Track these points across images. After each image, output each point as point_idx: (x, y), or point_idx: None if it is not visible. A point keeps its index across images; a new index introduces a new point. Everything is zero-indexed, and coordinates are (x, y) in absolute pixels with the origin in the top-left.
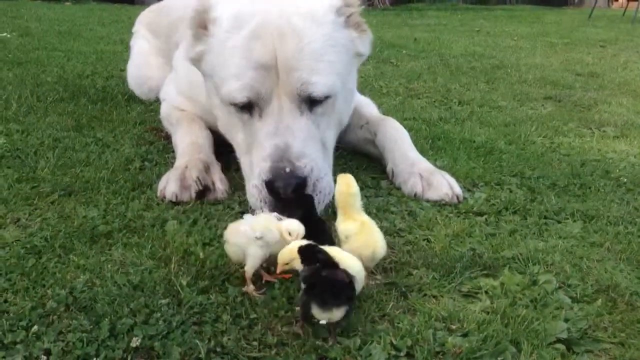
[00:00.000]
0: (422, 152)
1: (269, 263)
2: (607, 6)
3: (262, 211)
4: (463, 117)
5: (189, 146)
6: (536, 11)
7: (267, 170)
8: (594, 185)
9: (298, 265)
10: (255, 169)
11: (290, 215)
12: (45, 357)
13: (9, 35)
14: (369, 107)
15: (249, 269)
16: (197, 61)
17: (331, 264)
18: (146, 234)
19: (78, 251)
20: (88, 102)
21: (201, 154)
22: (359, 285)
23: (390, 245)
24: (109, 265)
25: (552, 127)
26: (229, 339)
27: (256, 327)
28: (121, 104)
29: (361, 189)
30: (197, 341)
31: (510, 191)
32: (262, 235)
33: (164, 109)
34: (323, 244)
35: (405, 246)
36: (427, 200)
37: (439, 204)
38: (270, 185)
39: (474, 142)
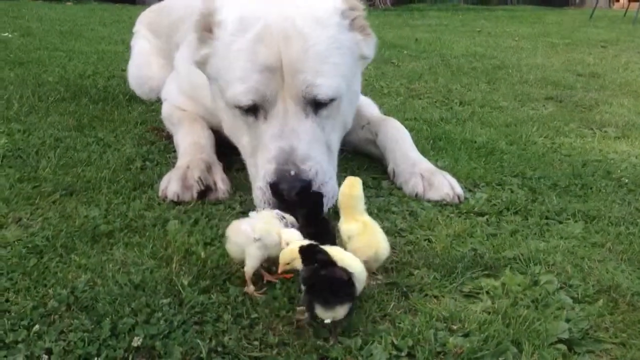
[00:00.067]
0: (423, 152)
1: (270, 263)
2: (608, 7)
3: (264, 208)
4: (464, 118)
5: (191, 146)
6: (537, 11)
7: (272, 173)
8: (595, 186)
9: (299, 265)
10: (260, 171)
11: (294, 212)
12: (46, 357)
13: (10, 35)
14: (370, 107)
15: (249, 269)
16: (202, 64)
17: (330, 263)
18: (147, 234)
19: (79, 251)
20: (89, 102)
21: (203, 154)
22: (360, 285)
23: (391, 246)
24: (111, 265)
25: (553, 128)
26: (230, 338)
27: (257, 327)
28: (122, 104)
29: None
30: (199, 341)
31: (512, 191)
32: (260, 237)
33: (166, 109)
34: (326, 244)
35: (407, 246)
36: (428, 201)
37: (440, 204)
38: (274, 187)
39: (475, 142)
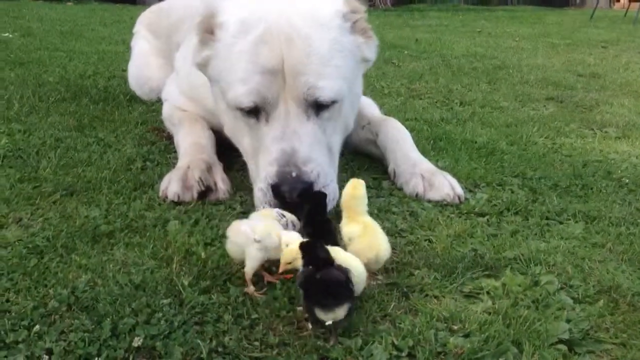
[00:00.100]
0: (424, 152)
1: (270, 263)
2: (608, 7)
3: (264, 207)
4: (465, 118)
5: (191, 146)
6: (537, 12)
7: (273, 175)
8: (595, 186)
9: (300, 264)
10: (261, 173)
11: (297, 212)
12: (47, 357)
13: (10, 36)
14: (370, 107)
15: (248, 269)
16: (203, 66)
17: (327, 262)
18: (148, 234)
19: (80, 251)
20: (90, 102)
21: (203, 154)
22: (360, 285)
23: (392, 246)
24: (111, 265)
25: (553, 128)
26: (230, 339)
27: (258, 327)
28: (123, 104)
29: None
30: (199, 341)
31: (512, 192)
32: (260, 238)
33: (166, 109)
34: (328, 244)
35: (407, 246)
36: (429, 201)
37: (441, 205)
38: (276, 189)
39: (476, 142)
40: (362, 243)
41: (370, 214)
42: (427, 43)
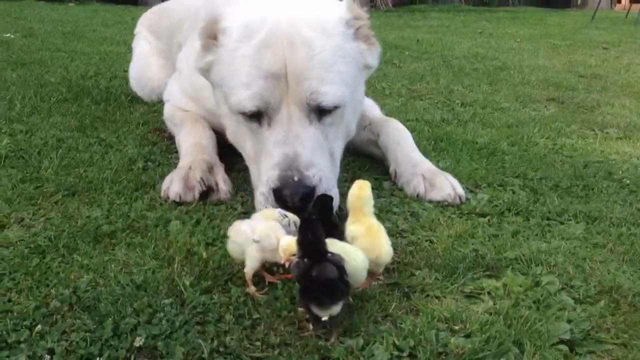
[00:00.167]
0: (425, 153)
1: (271, 263)
2: (609, 8)
3: (266, 207)
4: (466, 119)
5: (193, 147)
6: (539, 13)
7: (275, 179)
8: (596, 187)
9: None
10: (263, 177)
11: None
12: (48, 357)
13: (12, 36)
14: (371, 108)
15: (248, 270)
16: (206, 71)
17: (320, 253)
18: (149, 234)
19: (82, 251)
20: (91, 102)
21: (205, 154)
22: (361, 277)
23: (393, 246)
24: (113, 265)
25: (554, 129)
26: (231, 338)
27: (259, 327)
28: (124, 105)
29: None
30: (200, 341)
31: (513, 192)
32: (259, 239)
33: (168, 110)
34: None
35: (408, 247)
36: (430, 201)
37: (442, 205)
38: (277, 193)
39: (477, 143)
40: (364, 244)
41: None
42: (428, 44)
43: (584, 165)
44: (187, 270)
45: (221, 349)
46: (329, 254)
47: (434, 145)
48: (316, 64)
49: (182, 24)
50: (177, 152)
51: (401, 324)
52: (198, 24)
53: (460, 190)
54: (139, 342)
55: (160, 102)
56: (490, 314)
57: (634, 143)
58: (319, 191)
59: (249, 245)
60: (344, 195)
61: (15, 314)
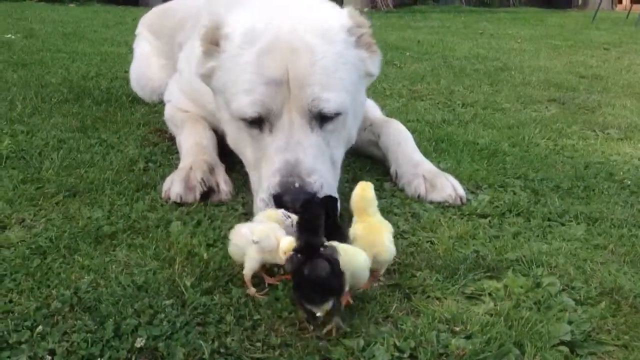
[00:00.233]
0: (426, 154)
1: (272, 264)
2: (610, 8)
3: (268, 207)
4: (466, 119)
5: (193, 147)
6: (539, 13)
7: (276, 185)
8: (597, 188)
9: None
10: (263, 184)
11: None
12: (49, 357)
13: (13, 37)
14: (372, 109)
15: (247, 271)
16: (207, 77)
17: (314, 248)
18: (150, 235)
19: (83, 252)
20: (92, 103)
21: (205, 155)
22: (363, 278)
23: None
24: (114, 266)
25: (555, 130)
26: (232, 339)
27: (260, 328)
28: (125, 106)
29: None
30: (201, 342)
31: (514, 193)
32: (259, 240)
33: (168, 110)
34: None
35: (409, 248)
36: (431, 202)
37: (443, 206)
38: (278, 199)
39: (478, 144)
40: (363, 242)
41: None
42: (429, 44)
43: (585, 166)
44: (188, 271)
45: (222, 350)
46: (322, 248)
47: (434, 146)
48: (318, 69)
49: (185, 23)
50: (178, 152)
51: (402, 325)
52: (198, 26)
53: (461, 191)
54: (139, 343)
55: (161, 103)
56: (491, 315)
57: (634, 144)
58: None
59: (249, 247)
60: (344, 196)
61: (16, 314)
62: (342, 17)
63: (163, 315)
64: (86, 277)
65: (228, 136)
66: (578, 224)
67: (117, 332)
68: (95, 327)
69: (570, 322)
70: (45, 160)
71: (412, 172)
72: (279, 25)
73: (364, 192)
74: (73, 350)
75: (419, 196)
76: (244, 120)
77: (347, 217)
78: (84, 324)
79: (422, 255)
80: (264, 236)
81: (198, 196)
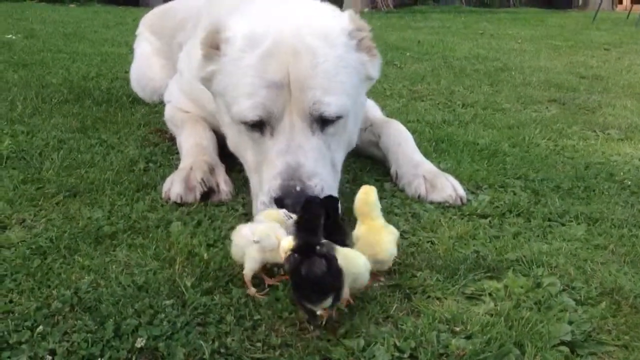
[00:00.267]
0: (426, 154)
1: (272, 265)
2: (611, 9)
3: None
4: (467, 120)
5: (194, 147)
6: (540, 14)
7: (277, 188)
8: (598, 188)
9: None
10: (264, 187)
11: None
12: (50, 358)
13: (14, 37)
14: (372, 109)
15: (247, 271)
16: (207, 81)
17: (311, 246)
18: (150, 235)
19: (83, 252)
20: (93, 103)
21: (205, 155)
22: (362, 281)
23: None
24: (114, 266)
25: (556, 130)
26: (233, 340)
27: (260, 328)
28: (126, 106)
29: None
30: (201, 342)
31: (514, 193)
32: (259, 239)
33: (168, 111)
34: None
35: (409, 248)
36: (431, 202)
37: (443, 206)
38: (279, 202)
39: (478, 144)
40: (364, 241)
41: None
42: (429, 45)
43: (585, 166)
44: (189, 271)
45: (222, 350)
46: (318, 247)
47: (435, 147)
48: (320, 72)
49: (186, 24)
50: (178, 153)
51: (402, 325)
52: (198, 26)
53: (461, 191)
54: (140, 343)
55: (161, 103)
56: (491, 315)
57: (635, 144)
58: None
59: (249, 247)
60: (344, 196)
61: (16, 314)
62: (343, 20)
63: (163, 316)
64: (86, 277)
65: (228, 139)
66: (578, 224)
67: (117, 332)
68: (96, 327)
69: (570, 322)
70: (46, 160)
71: (412, 173)
72: (280, 29)
73: (367, 196)
74: (73, 350)
75: (419, 196)
76: (245, 123)
77: (347, 217)
78: (85, 324)
79: (423, 255)
80: (264, 236)
81: (198, 196)
